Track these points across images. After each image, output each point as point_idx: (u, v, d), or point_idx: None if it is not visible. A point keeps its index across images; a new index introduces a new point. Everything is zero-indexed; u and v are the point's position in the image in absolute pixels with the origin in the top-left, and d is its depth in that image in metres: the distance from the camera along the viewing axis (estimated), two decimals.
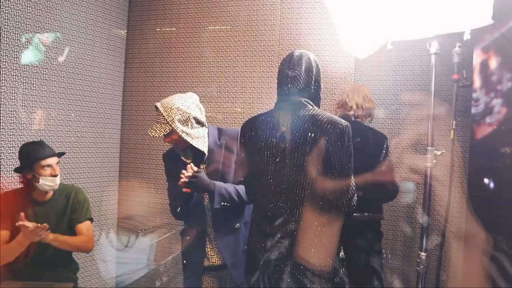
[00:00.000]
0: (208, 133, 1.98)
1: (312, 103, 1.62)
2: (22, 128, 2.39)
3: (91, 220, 2.25)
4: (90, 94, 2.84)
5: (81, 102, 2.76)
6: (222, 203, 1.87)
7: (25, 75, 2.37)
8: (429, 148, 1.84)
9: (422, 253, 1.84)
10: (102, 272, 2.74)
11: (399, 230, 2.64)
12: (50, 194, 2.16)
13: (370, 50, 1.91)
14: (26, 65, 2.37)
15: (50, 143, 2.52)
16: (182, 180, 1.79)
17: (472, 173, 2.15)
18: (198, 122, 1.93)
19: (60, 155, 2.17)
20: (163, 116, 1.86)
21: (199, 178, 1.80)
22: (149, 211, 2.99)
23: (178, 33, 3.00)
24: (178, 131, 1.85)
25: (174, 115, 1.85)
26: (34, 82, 2.43)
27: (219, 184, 1.87)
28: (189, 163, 1.86)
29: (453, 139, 2.30)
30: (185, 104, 1.89)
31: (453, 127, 2.29)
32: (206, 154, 1.94)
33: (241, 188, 1.90)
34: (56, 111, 2.59)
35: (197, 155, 1.96)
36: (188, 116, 1.88)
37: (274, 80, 2.76)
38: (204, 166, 1.97)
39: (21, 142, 2.37)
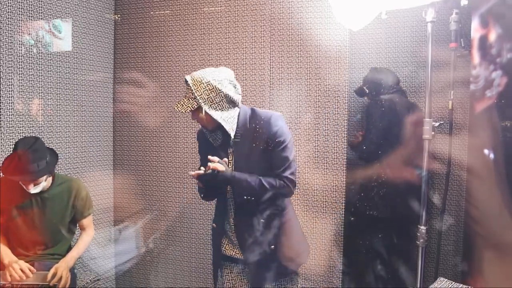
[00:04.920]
0: (238, 114, 1.78)
1: None
2: (15, 119, 2.33)
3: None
4: (80, 83, 2.75)
5: (70, 91, 2.69)
6: (244, 197, 1.76)
7: (11, 66, 2.30)
8: (427, 119, 1.81)
9: (422, 227, 1.83)
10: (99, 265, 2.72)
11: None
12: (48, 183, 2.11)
13: (364, 21, 1.85)
14: (14, 55, 2.29)
15: (41, 134, 2.48)
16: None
17: (471, 145, 2.12)
18: (230, 101, 1.73)
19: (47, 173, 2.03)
20: (192, 91, 1.69)
21: (218, 174, 1.67)
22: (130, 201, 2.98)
23: (170, 16, 2.90)
24: (205, 108, 1.69)
25: (203, 89, 1.68)
26: (21, 73, 2.36)
27: (239, 176, 1.73)
28: (216, 146, 1.79)
29: (451, 110, 2.26)
30: (216, 79, 1.69)
31: (451, 97, 2.24)
32: (232, 137, 1.76)
33: (267, 180, 1.73)
34: (45, 101, 2.53)
35: (226, 139, 1.80)
36: (218, 93, 1.68)
37: (267, 58, 2.69)
38: (231, 150, 1.81)
39: (15, 131, 2.33)
